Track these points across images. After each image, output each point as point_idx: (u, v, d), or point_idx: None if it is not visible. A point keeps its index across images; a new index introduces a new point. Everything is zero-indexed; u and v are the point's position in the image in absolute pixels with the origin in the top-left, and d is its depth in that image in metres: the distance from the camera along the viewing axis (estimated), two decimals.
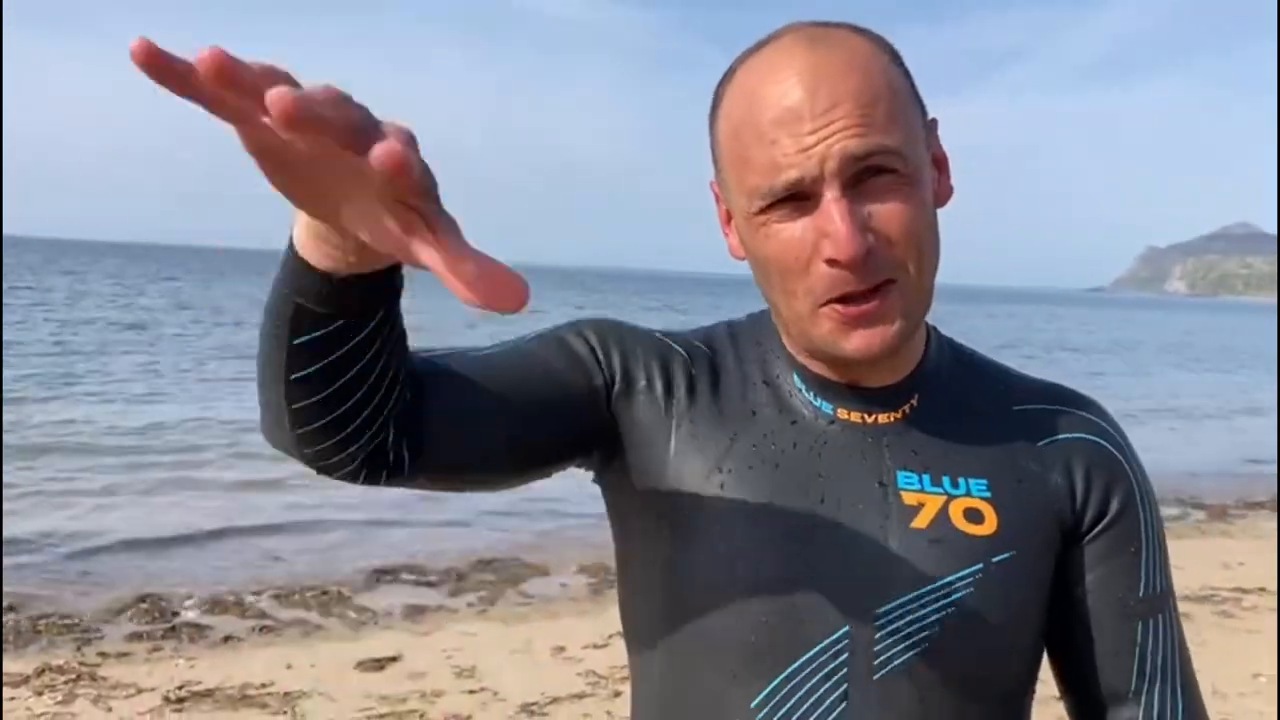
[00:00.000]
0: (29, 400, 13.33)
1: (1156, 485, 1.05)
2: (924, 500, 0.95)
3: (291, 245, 0.71)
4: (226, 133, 0.55)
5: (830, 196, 0.86)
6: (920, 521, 0.94)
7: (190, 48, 0.51)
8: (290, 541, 7.79)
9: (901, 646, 0.92)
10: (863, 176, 0.87)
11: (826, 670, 0.92)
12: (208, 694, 4.72)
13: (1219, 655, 5.70)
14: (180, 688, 4.78)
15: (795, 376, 1.01)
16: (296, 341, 0.76)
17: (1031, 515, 0.97)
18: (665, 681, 1.00)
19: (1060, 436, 1.01)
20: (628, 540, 1.04)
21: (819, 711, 0.92)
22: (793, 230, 0.89)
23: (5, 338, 18.26)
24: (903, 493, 0.95)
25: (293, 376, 0.78)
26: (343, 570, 6.98)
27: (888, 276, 0.89)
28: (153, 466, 10.13)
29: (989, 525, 0.95)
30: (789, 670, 0.92)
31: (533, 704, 4.65)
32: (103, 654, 5.26)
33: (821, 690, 0.92)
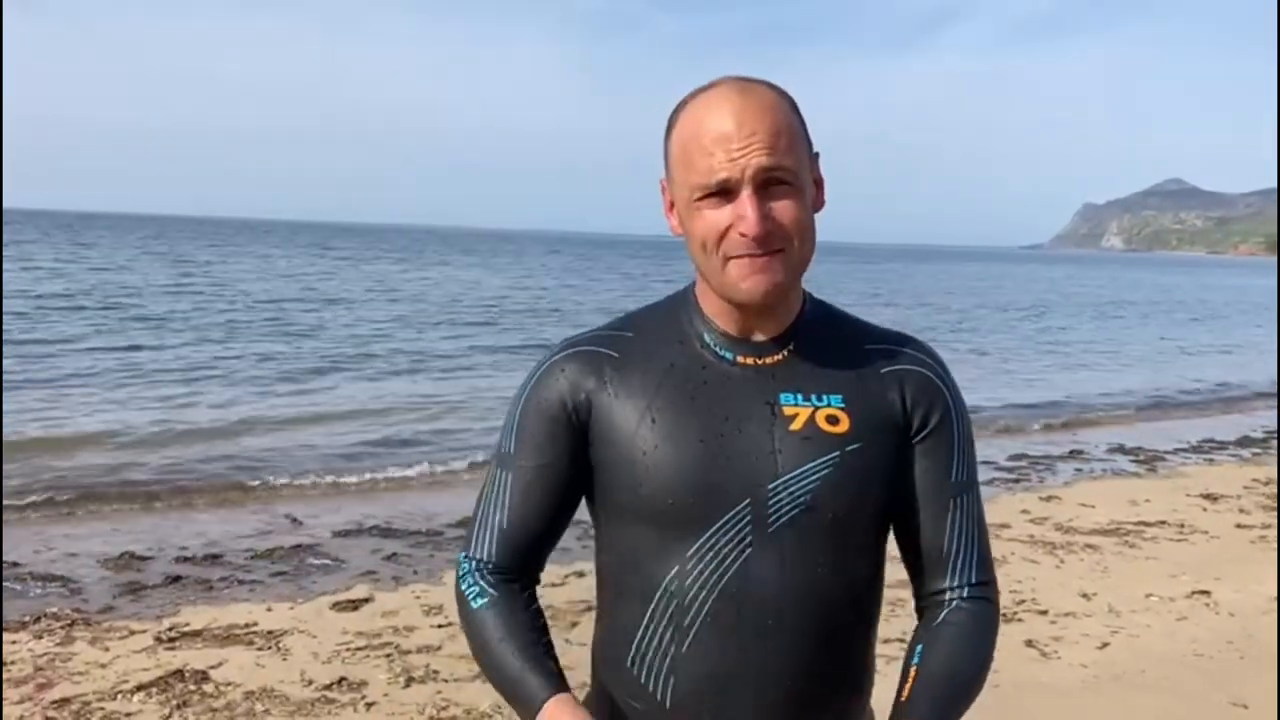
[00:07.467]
0: None
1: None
2: (798, 412, 1.33)
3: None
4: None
5: (745, 193, 1.26)
6: (795, 426, 1.32)
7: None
8: (258, 507, 8.17)
9: (786, 508, 1.30)
10: (767, 183, 1.27)
11: (736, 527, 1.30)
12: (196, 634, 5.11)
13: (1119, 579, 6.30)
14: (170, 629, 5.17)
15: (705, 336, 1.38)
16: None
17: (875, 419, 1.35)
18: (624, 546, 1.36)
19: (896, 366, 1.39)
20: (600, 483, 1.38)
21: (733, 555, 1.30)
22: (719, 213, 1.28)
23: None
24: (783, 408, 1.33)
25: None
26: (312, 531, 7.39)
27: (779, 247, 1.29)
28: None
29: (844, 426, 1.33)
30: (711, 529, 1.30)
31: None
32: (92, 603, 5.63)
33: (734, 540, 1.30)
